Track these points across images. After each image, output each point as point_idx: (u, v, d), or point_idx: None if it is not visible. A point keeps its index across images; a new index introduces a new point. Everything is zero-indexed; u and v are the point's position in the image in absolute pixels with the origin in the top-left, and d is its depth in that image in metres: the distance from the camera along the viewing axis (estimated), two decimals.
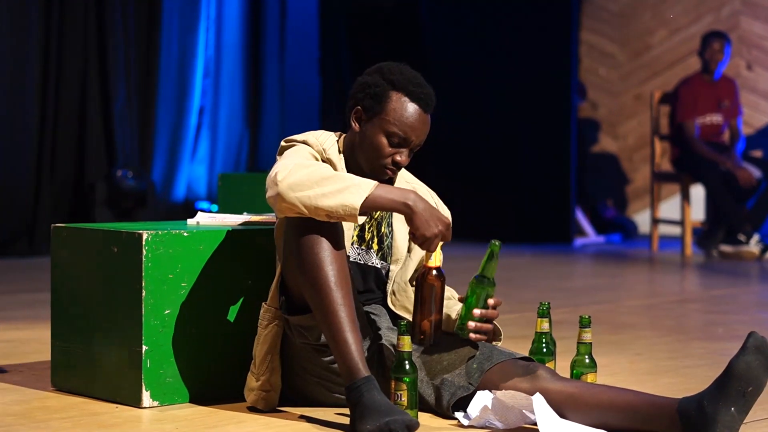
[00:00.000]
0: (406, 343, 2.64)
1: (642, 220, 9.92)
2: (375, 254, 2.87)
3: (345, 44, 9.75)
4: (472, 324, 2.70)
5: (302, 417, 2.76)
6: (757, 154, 8.66)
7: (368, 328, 2.80)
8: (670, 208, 9.40)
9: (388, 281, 2.87)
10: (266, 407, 2.82)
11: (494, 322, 2.78)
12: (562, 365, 2.99)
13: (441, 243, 2.65)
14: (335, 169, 2.77)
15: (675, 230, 9.04)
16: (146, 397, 2.85)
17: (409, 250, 2.90)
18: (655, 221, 8.36)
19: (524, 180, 9.16)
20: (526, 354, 2.93)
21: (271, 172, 2.68)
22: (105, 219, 7.56)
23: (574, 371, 2.85)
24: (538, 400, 2.56)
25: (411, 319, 2.84)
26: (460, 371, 2.75)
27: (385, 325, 2.85)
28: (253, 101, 9.02)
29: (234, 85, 8.89)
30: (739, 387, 2.42)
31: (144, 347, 2.84)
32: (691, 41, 9.63)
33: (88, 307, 2.99)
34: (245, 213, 3.29)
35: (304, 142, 2.79)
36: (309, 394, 2.84)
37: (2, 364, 3.46)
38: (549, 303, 2.95)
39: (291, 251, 2.64)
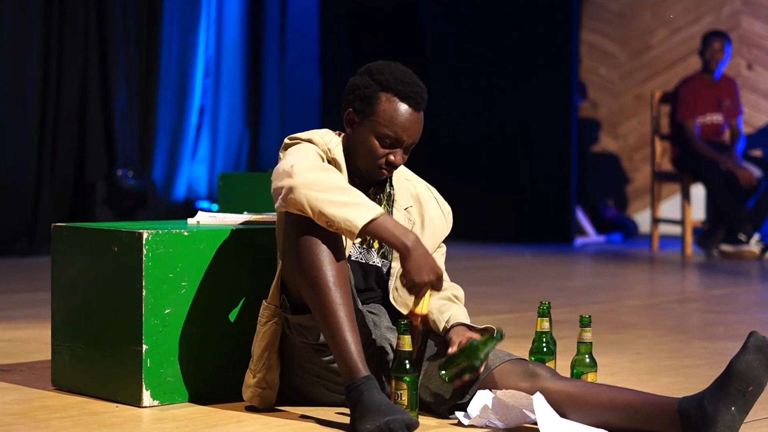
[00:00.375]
0: (406, 343, 2.64)
1: (642, 219, 9.92)
2: (376, 252, 2.86)
3: (345, 44, 9.75)
4: (457, 382, 2.69)
5: (302, 416, 2.76)
6: (758, 153, 8.66)
7: (368, 328, 2.80)
8: (670, 207, 9.40)
9: (390, 278, 2.86)
10: (262, 405, 2.81)
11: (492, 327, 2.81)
12: (563, 365, 2.99)
13: (429, 291, 2.64)
14: (340, 169, 2.76)
15: (675, 230, 9.04)
16: (146, 397, 2.85)
17: None
18: (656, 221, 8.36)
19: (525, 180, 9.16)
20: (526, 353, 2.94)
21: (283, 164, 2.64)
22: (105, 218, 7.56)
23: (575, 371, 2.85)
24: (539, 400, 2.56)
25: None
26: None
27: (384, 325, 2.85)
28: (254, 101, 9.02)
29: (234, 84, 8.89)
30: (739, 386, 2.42)
31: (144, 347, 2.84)
32: (692, 41, 9.63)
33: (88, 306, 2.99)
34: (245, 212, 3.29)
35: (309, 141, 2.77)
36: (308, 393, 2.84)
37: (2, 363, 3.46)
38: (549, 302, 2.95)
39: (290, 251, 2.64)
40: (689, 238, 8.05)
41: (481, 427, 2.65)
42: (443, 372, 2.68)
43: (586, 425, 2.57)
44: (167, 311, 2.88)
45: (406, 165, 2.95)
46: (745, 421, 2.45)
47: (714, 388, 2.45)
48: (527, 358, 2.86)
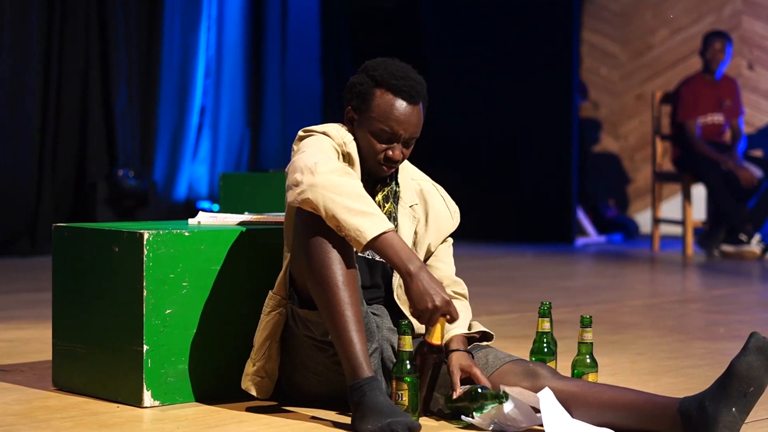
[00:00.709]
0: (407, 343, 2.64)
1: (643, 219, 9.92)
2: None
3: (346, 44, 9.76)
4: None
5: (303, 416, 2.76)
6: (758, 153, 8.66)
7: (371, 331, 2.79)
8: (671, 207, 9.40)
9: (394, 275, 2.86)
10: (259, 394, 2.81)
11: (486, 330, 2.83)
12: (563, 365, 2.99)
13: (443, 320, 2.60)
14: (353, 164, 2.76)
15: (676, 230, 9.04)
16: (147, 397, 2.85)
17: (415, 244, 2.89)
18: (657, 221, 8.35)
19: (525, 180, 9.16)
20: (527, 353, 2.94)
21: (304, 158, 2.62)
22: (106, 219, 7.56)
23: (575, 371, 2.85)
24: (546, 396, 2.54)
25: (412, 318, 2.84)
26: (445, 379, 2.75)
27: (386, 326, 2.85)
28: (254, 101, 9.02)
29: (235, 85, 8.90)
30: (740, 387, 2.42)
31: (145, 347, 2.84)
32: (693, 41, 9.63)
33: (89, 306, 2.99)
34: (246, 213, 3.29)
35: (324, 134, 2.77)
36: (308, 390, 2.84)
37: (4, 363, 3.46)
38: (550, 303, 2.95)
39: (300, 249, 2.64)
40: (690, 239, 8.05)
41: (488, 429, 2.64)
42: (447, 404, 2.71)
43: (591, 425, 2.56)
44: (168, 311, 2.88)
45: (422, 168, 2.96)
46: (745, 421, 2.45)
47: (715, 389, 2.45)
48: (528, 359, 2.86)
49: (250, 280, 3.01)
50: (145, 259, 2.84)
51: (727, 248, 7.77)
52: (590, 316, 2.84)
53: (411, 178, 2.94)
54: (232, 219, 3.16)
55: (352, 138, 2.80)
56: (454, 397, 2.68)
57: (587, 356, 2.85)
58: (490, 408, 2.62)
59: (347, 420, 2.64)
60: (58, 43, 7.60)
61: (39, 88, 7.52)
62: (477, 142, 9.34)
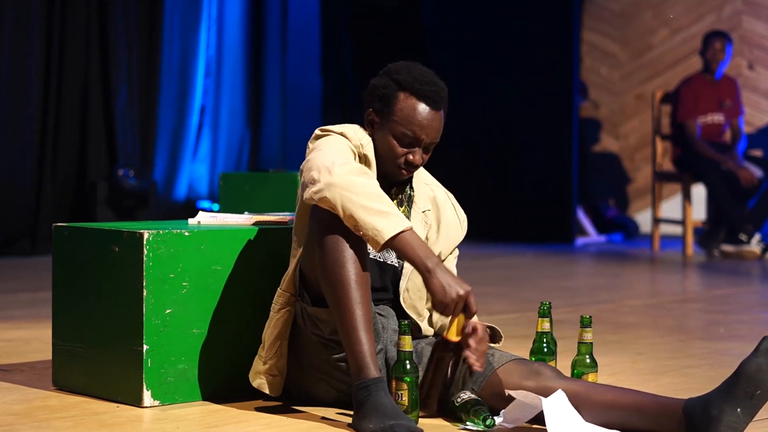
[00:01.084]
0: (407, 343, 2.64)
1: (643, 219, 9.92)
2: (394, 253, 2.86)
3: (346, 44, 9.76)
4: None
5: (304, 416, 2.76)
6: (758, 153, 8.66)
7: (377, 331, 2.80)
8: (671, 207, 9.40)
9: (402, 278, 2.87)
10: (272, 392, 2.82)
11: (495, 327, 2.81)
12: (563, 365, 2.99)
13: (461, 317, 2.61)
14: (370, 166, 2.77)
15: (676, 230, 9.04)
16: (147, 397, 2.85)
17: None
18: (657, 221, 8.36)
19: (526, 179, 9.16)
20: (527, 353, 2.94)
21: (321, 157, 2.62)
22: (106, 218, 7.56)
23: (575, 371, 2.85)
24: (556, 398, 2.54)
25: (416, 321, 2.86)
26: (459, 375, 2.75)
27: (392, 327, 2.85)
28: (255, 101, 9.02)
29: (235, 84, 8.90)
30: (747, 389, 2.41)
31: (145, 347, 2.84)
32: (693, 41, 9.63)
33: (89, 306, 2.99)
34: (246, 212, 3.29)
35: (342, 134, 2.77)
36: (311, 389, 2.84)
37: (4, 363, 3.46)
38: (550, 303, 2.95)
39: (314, 246, 2.64)
40: (690, 238, 8.05)
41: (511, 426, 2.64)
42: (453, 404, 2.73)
43: (601, 427, 2.56)
44: (168, 311, 2.88)
45: (428, 169, 2.96)
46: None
47: (721, 390, 2.44)
48: (528, 359, 2.86)
49: (250, 279, 3.01)
50: (145, 258, 2.84)
51: (727, 248, 7.77)
52: (590, 316, 2.84)
53: (425, 183, 2.95)
54: (232, 219, 3.16)
55: (370, 140, 2.80)
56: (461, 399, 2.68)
57: (587, 356, 2.85)
58: (474, 425, 2.63)
59: (348, 420, 2.64)
60: (59, 43, 7.61)
61: (39, 88, 7.52)
62: (477, 141, 9.34)
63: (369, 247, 2.71)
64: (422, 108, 2.76)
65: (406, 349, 2.64)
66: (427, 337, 2.91)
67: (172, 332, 2.89)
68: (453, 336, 2.64)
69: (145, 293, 2.84)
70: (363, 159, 2.76)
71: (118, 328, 2.90)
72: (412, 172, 2.82)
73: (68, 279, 3.06)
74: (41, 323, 4.21)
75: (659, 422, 2.52)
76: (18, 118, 7.42)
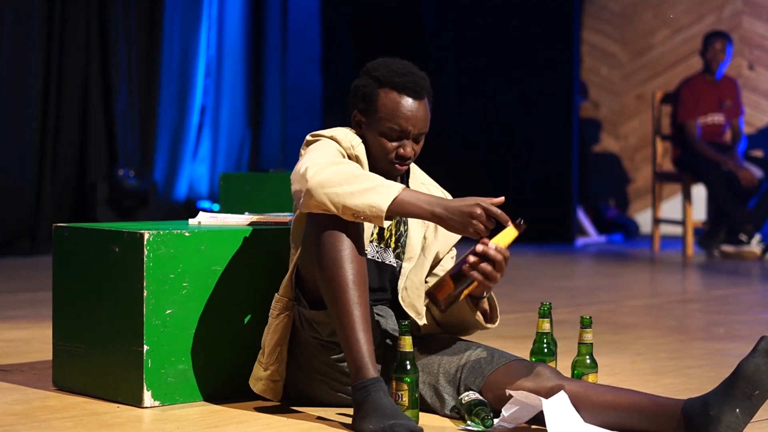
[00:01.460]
0: (407, 344, 2.64)
1: (643, 219, 9.93)
2: (392, 253, 2.87)
3: (346, 44, 9.76)
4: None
5: (304, 416, 2.76)
6: (759, 153, 8.66)
7: (376, 330, 2.80)
8: (671, 207, 9.40)
9: (401, 278, 2.87)
10: (274, 398, 2.82)
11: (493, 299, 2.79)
12: (563, 365, 2.99)
13: (512, 227, 2.66)
14: (362, 167, 2.77)
15: (676, 230, 9.04)
16: (147, 397, 2.85)
17: (423, 249, 2.90)
18: (657, 221, 8.36)
19: (526, 179, 9.16)
20: (527, 354, 2.94)
21: (299, 166, 2.65)
22: (106, 218, 7.56)
23: (575, 371, 2.85)
24: (558, 400, 2.54)
25: (415, 320, 2.85)
26: (459, 374, 2.75)
27: (390, 327, 2.85)
28: (255, 101, 9.02)
29: (235, 84, 8.90)
30: (745, 389, 2.41)
31: (145, 347, 2.84)
32: (693, 41, 9.63)
33: (89, 306, 3.00)
34: (247, 213, 3.29)
35: (332, 138, 2.78)
36: (311, 391, 2.84)
37: (4, 363, 3.47)
38: (550, 303, 2.95)
39: (311, 247, 2.64)
40: (690, 239, 8.05)
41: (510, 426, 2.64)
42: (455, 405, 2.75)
43: (602, 428, 2.56)
44: (168, 312, 2.88)
45: (422, 168, 2.97)
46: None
47: (720, 390, 2.44)
48: (528, 359, 2.86)
49: (250, 280, 3.01)
50: (145, 259, 2.84)
51: (728, 248, 7.77)
52: (590, 317, 2.84)
53: (421, 182, 2.95)
54: (232, 219, 3.16)
55: (360, 141, 2.80)
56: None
57: (587, 357, 2.85)
58: (474, 425, 2.64)
59: (347, 420, 2.65)
60: (59, 43, 7.61)
61: (39, 87, 7.52)
62: (477, 141, 9.34)
63: (366, 247, 2.72)
64: (405, 100, 2.76)
65: (407, 350, 2.64)
66: (426, 336, 2.91)
67: (173, 332, 2.89)
68: (500, 242, 2.65)
69: (145, 293, 2.84)
70: (354, 160, 2.77)
71: (119, 329, 2.90)
72: (406, 165, 2.81)
73: (68, 279, 3.06)
74: (41, 323, 4.21)
75: (658, 422, 2.52)
76: (18, 118, 7.42)
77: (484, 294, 2.75)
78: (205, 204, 8.38)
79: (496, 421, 2.63)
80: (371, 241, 2.84)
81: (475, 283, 2.63)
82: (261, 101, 9.04)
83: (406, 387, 2.63)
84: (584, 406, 2.59)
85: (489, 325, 2.83)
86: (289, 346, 2.82)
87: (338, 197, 2.55)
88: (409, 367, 2.64)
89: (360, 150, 2.78)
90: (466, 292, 2.64)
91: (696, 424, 2.44)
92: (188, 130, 8.46)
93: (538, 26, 9.11)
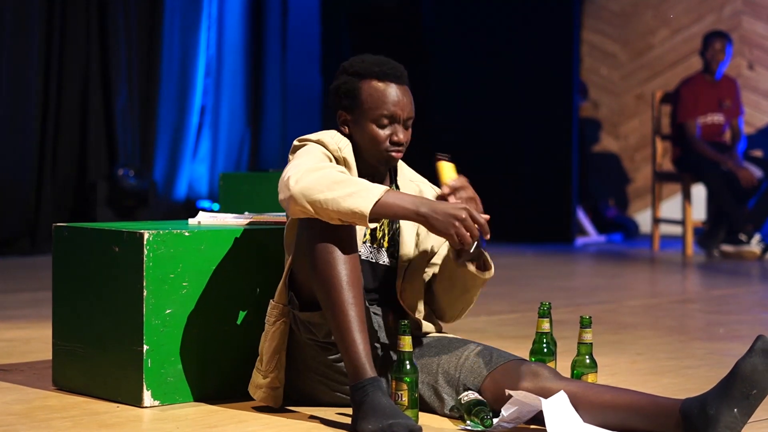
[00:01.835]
0: (407, 344, 2.64)
1: (643, 219, 9.93)
2: (386, 252, 2.87)
3: (347, 43, 9.76)
4: None
5: (303, 416, 2.76)
6: (758, 153, 8.66)
7: (374, 330, 2.80)
8: (671, 207, 9.40)
9: (398, 277, 2.87)
10: (275, 404, 2.82)
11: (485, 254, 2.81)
12: (563, 365, 2.99)
13: (443, 164, 2.72)
14: (349, 168, 2.77)
15: (676, 230, 9.04)
16: (147, 397, 2.85)
17: (417, 245, 2.90)
18: (657, 221, 8.36)
19: (525, 179, 9.16)
20: (527, 354, 2.94)
21: (283, 174, 2.65)
22: (106, 218, 7.56)
23: (575, 371, 2.85)
24: (557, 400, 2.54)
25: (416, 318, 2.86)
26: (458, 374, 2.75)
27: (388, 326, 2.86)
28: (255, 100, 9.02)
29: (235, 84, 8.90)
30: (743, 389, 2.41)
31: (145, 347, 2.84)
32: (693, 41, 9.63)
33: (89, 306, 3.00)
34: (246, 212, 3.29)
35: (319, 142, 2.78)
36: (310, 392, 2.84)
37: (3, 363, 3.47)
38: (550, 303, 2.95)
39: (304, 249, 2.64)
40: (690, 239, 8.05)
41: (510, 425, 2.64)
42: (455, 405, 2.75)
43: (601, 428, 2.56)
44: (168, 311, 2.88)
45: (421, 168, 2.97)
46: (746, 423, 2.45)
47: (718, 390, 2.45)
48: (527, 359, 2.86)
49: (250, 279, 3.01)
50: (145, 259, 2.84)
51: (727, 248, 7.77)
52: (590, 317, 2.84)
53: (410, 179, 2.95)
54: (232, 219, 3.16)
55: (348, 142, 2.81)
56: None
57: (587, 357, 2.85)
58: (473, 425, 2.64)
59: (348, 420, 2.65)
60: (59, 42, 7.61)
61: (39, 87, 7.52)
62: (477, 141, 9.33)
63: (359, 248, 2.72)
64: (389, 86, 2.78)
65: (406, 350, 2.64)
66: (426, 334, 2.92)
67: (172, 332, 2.89)
68: (451, 176, 2.74)
69: (145, 293, 2.84)
70: (342, 162, 2.77)
71: (118, 329, 2.91)
72: (402, 151, 2.82)
73: (68, 279, 3.06)
74: (41, 323, 4.21)
75: (657, 422, 2.53)
76: (18, 118, 7.42)
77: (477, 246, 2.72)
78: (205, 204, 8.38)
79: (495, 420, 2.63)
80: (364, 242, 2.84)
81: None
82: (261, 101, 9.04)
83: (405, 387, 2.63)
84: (583, 406, 2.59)
85: (486, 275, 2.81)
86: (288, 349, 2.81)
87: (321, 204, 2.56)
88: (408, 366, 2.64)
89: (347, 151, 2.78)
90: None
91: (694, 424, 2.44)
92: (188, 129, 8.47)
93: (538, 26, 9.11)
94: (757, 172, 7.80)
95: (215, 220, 3.16)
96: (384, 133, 2.78)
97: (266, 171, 6.27)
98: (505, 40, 9.23)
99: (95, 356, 2.97)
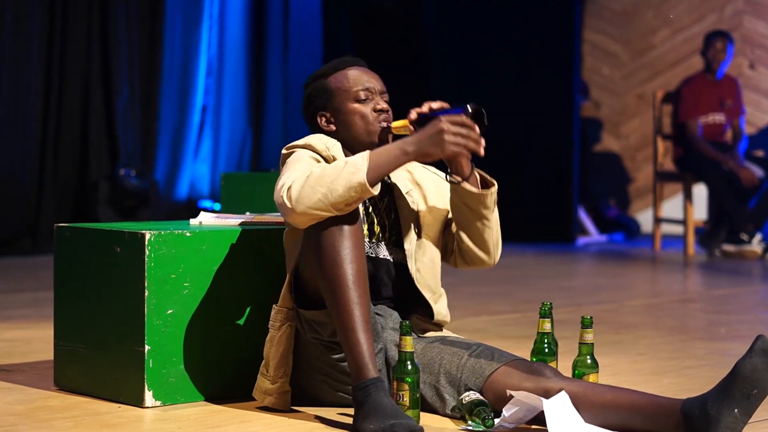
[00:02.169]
0: (408, 344, 2.64)
1: (644, 219, 9.93)
2: (386, 245, 2.87)
3: (348, 43, 9.75)
4: None
5: (306, 416, 2.77)
6: (760, 153, 8.66)
7: (376, 329, 2.80)
8: (672, 207, 9.40)
9: (409, 260, 2.87)
10: (284, 407, 2.81)
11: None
12: (564, 365, 2.99)
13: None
14: None
15: (677, 229, 9.04)
16: (149, 397, 2.86)
17: (421, 226, 2.91)
18: (658, 220, 8.36)
19: (527, 179, 9.16)
20: (528, 354, 2.94)
21: (276, 196, 2.66)
22: (108, 218, 7.56)
23: (576, 372, 2.85)
24: (558, 400, 2.54)
25: (428, 302, 2.88)
26: (460, 374, 2.75)
27: (390, 326, 2.86)
28: (256, 100, 9.03)
29: (237, 83, 8.90)
30: (743, 389, 2.41)
31: (146, 347, 2.85)
32: (694, 40, 9.63)
33: (90, 306, 3.00)
34: (248, 212, 3.29)
35: (306, 146, 2.80)
36: (313, 392, 2.84)
37: (5, 363, 3.47)
38: (551, 303, 2.95)
39: (311, 247, 2.65)
40: (691, 238, 8.05)
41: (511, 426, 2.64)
42: (456, 406, 2.76)
43: (596, 426, 2.56)
44: (169, 312, 2.88)
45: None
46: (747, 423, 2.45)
47: (718, 390, 2.45)
48: (529, 359, 2.86)
49: (251, 280, 3.01)
50: (146, 259, 2.84)
51: (729, 248, 7.77)
52: (591, 317, 2.84)
53: (416, 166, 2.98)
54: (233, 219, 3.16)
55: (336, 141, 2.84)
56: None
57: (588, 357, 2.85)
58: (474, 425, 2.64)
59: (350, 420, 2.65)
60: (60, 42, 7.61)
61: (40, 87, 7.52)
62: None
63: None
64: (354, 69, 2.92)
65: (408, 350, 2.64)
66: (438, 325, 2.92)
67: (174, 333, 2.89)
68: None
69: (146, 294, 2.84)
70: (332, 161, 2.78)
71: (120, 329, 2.91)
72: (390, 118, 2.88)
73: (70, 279, 3.06)
74: (42, 323, 4.21)
75: (658, 422, 2.53)
76: (19, 117, 7.42)
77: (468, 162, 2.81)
78: (207, 203, 8.39)
79: (496, 421, 2.63)
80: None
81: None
82: (262, 100, 9.04)
83: (407, 387, 2.63)
84: (584, 406, 2.59)
85: (492, 189, 2.87)
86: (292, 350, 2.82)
87: (322, 202, 2.57)
88: (410, 367, 2.64)
89: (336, 150, 2.80)
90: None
91: (695, 424, 2.45)
92: (189, 129, 8.47)
93: (539, 26, 9.11)
94: (758, 172, 7.80)
95: (216, 220, 3.16)
96: (367, 107, 2.87)
97: (268, 171, 6.28)
98: (506, 40, 9.23)
99: (97, 356, 2.97)
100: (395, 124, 2.83)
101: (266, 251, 3.02)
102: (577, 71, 9.13)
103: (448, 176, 2.81)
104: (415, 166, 2.99)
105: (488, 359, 2.76)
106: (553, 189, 9.03)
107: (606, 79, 10.28)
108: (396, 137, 2.80)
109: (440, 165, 2.90)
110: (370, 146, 2.82)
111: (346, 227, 2.61)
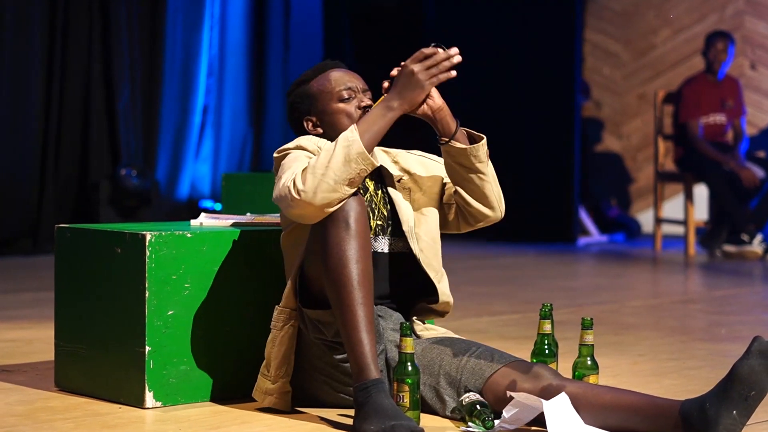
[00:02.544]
0: (409, 345, 2.65)
1: (645, 219, 9.92)
2: (382, 238, 2.88)
3: (349, 44, 9.76)
4: None
5: (307, 417, 2.77)
6: (761, 154, 8.66)
7: (378, 330, 2.80)
8: (673, 207, 9.40)
9: (411, 240, 2.88)
10: (286, 407, 2.82)
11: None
12: (564, 366, 2.99)
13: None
14: None
15: (678, 230, 9.04)
16: (149, 398, 2.86)
17: (416, 211, 2.92)
18: (659, 221, 8.36)
19: (528, 179, 9.15)
20: (528, 355, 2.94)
21: (279, 194, 2.64)
22: (109, 218, 7.57)
23: (576, 373, 2.86)
24: (558, 402, 2.54)
25: (434, 280, 2.89)
26: (460, 375, 2.76)
27: (390, 327, 2.86)
28: (257, 100, 9.03)
29: (238, 84, 8.90)
30: (741, 390, 2.42)
31: (147, 348, 2.85)
32: (695, 41, 9.63)
33: (91, 307, 3.00)
34: (248, 213, 3.29)
35: (298, 147, 2.81)
36: (314, 392, 2.85)
37: (6, 363, 3.47)
38: (551, 304, 2.95)
39: (317, 246, 2.65)
40: (692, 238, 8.05)
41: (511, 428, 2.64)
42: (456, 407, 2.76)
43: (596, 427, 2.56)
44: (170, 312, 2.89)
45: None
46: (746, 424, 2.45)
47: (716, 392, 2.45)
48: (529, 360, 2.86)
49: (252, 280, 3.01)
50: (147, 260, 2.84)
51: (730, 248, 7.77)
52: (591, 318, 2.84)
53: (383, 150, 3.00)
54: (234, 220, 3.16)
55: (326, 141, 2.85)
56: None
57: (588, 358, 2.85)
58: (474, 427, 2.64)
59: (350, 421, 2.65)
60: (61, 42, 7.61)
61: (42, 87, 7.53)
62: None
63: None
64: (334, 72, 2.96)
65: (408, 351, 2.65)
66: (441, 314, 2.93)
67: (174, 333, 2.89)
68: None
69: (147, 294, 2.85)
70: None
71: (120, 329, 2.91)
72: None
73: (70, 280, 3.07)
74: (43, 324, 4.21)
75: (657, 423, 2.53)
76: (20, 118, 7.43)
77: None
78: (208, 204, 8.39)
79: (496, 422, 2.63)
80: None
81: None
82: (263, 101, 9.04)
83: (407, 388, 2.64)
84: (584, 407, 2.60)
85: (480, 144, 2.94)
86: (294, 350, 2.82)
87: (328, 184, 2.58)
88: (410, 368, 2.64)
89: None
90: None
91: (694, 426, 2.45)
92: (190, 129, 8.47)
93: (540, 26, 9.11)
94: (759, 173, 7.80)
95: (217, 220, 3.17)
96: (351, 105, 2.90)
97: (269, 171, 6.28)
98: (507, 40, 9.23)
99: (97, 357, 2.98)
100: (375, 104, 2.83)
101: (267, 252, 3.02)
102: (577, 71, 9.13)
103: (437, 140, 2.84)
104: (399, 154, 3.01)
105: (488, 360, 2.76)
106: (553, 189, 9.03)
107: (607, 79, 10.28)
108: None
109: (425, 144, 2.92)
110: None
111: (353, 227, 2.61)
